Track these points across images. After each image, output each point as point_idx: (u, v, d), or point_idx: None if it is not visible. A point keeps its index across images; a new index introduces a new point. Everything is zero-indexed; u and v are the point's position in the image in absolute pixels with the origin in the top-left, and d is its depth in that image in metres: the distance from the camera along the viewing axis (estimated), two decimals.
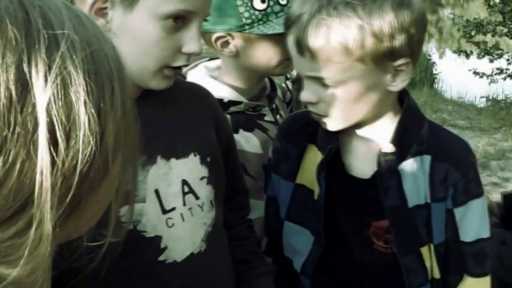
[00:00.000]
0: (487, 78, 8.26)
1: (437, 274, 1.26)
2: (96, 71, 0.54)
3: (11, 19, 0.50)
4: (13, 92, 0.48)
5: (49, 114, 0.50)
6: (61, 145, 0.51)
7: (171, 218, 1.09)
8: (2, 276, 0.55)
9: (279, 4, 1.42)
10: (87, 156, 0.53)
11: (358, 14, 1.07)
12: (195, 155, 1.13)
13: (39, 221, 0.53)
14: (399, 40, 1.09)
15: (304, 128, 1.30)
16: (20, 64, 0.49)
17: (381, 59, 1.11)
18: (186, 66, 1.10)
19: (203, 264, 1.13)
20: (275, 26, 1.39)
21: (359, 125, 1.24)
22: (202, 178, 1.14)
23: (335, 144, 1.25)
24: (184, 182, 1.11)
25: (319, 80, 1.15)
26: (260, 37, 1.42)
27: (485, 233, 1.27)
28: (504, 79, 8.31)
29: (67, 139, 0.52)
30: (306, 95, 1.19)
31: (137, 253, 1.05)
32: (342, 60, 1.10)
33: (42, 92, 0.49)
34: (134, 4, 0.98)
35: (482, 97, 8.07)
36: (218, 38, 1.44)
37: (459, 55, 8.68)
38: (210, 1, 1.07)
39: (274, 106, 1.59)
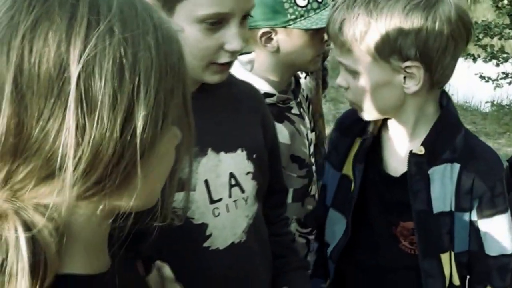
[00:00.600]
0: (493, 83, 8.26)
1: (456, 281, 1.30)
2: (133, 53, 0.61)
3: (61, 5, 0.60)
4: (52, 67, 0.58)
5: (79, 88, 0.58)
6: (87, 117, 0.59)
7: (217, 208, 1.15)
8: (34, 224, 0.62)
9: (317, 1, 1.55)
10: (112, 131, 0.60)
11: (370, 11, 1.18)
12: (242, 151, 1.20)
13: (67, 187, 0.61)
14: (406, 42, 1.17)
15: (356, 122, 1.38)
16: (60, 43, 0.59)
17: (387, 57, 1.19)
18: (232, 62, 1.16)
19: (242, 254, 1.20)
20: (316, 21, 1.52)
21: (394, 123, 1.31)
22: (247, 173, 1.20)
23: (369, 138, 1.33)
24: (232, 175, 1.17)
25: (344, 67, 1.26)
26: (300, 33, 1.54)
27: (509, 249, 1.30)
28: (510, 83, 8.30)
29: (92, 112, 0.59)
30: (338, 79, 1.32)
31: (184, 238, 1.12)
32: (354, 50, 1.22)
33: (75, 68, 0.58)
34: (172, 9, 1.03)
35: (487, 102, 8.09)
36: (263, 34, 1.54)
37: (465, 58, 8.68)
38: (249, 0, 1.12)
39: (298, 100, 1.69)
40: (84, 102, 0.59)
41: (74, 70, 0.58)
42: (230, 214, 1.17)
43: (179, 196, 1.03)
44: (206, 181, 1.14)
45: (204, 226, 1.14)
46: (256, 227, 1.23)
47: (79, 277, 0.69)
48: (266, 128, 1.29)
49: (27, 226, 0.63)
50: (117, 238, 0.77)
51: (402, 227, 1.33)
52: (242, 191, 1.19)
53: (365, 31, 1.19)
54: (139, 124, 0.61)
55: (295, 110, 1.65)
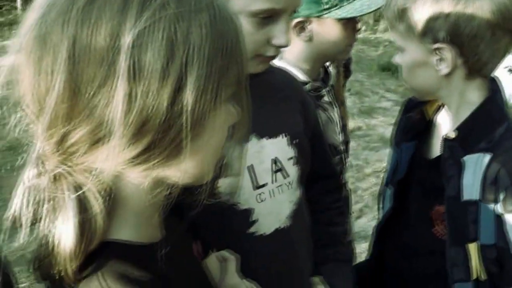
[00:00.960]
0: None
1: (482, 276, 1.27)
2: (186, 28, 0.63)
3: None
4: (106, 38, 0.62)
5: (130, 58, 0.61)
6: (137, 86, 0.62)
7: (262, 194, 1.16)
8: (83, 187, 0.65)
9: None
10: (161, 101, 0.62)
11: None
12: (283, 137, 1.20)
13: (115, 153, 0.64)
14: (436, 24, 1.22)
15: (421, 103, 1.43)
16: (114, 16, 0.62)
17: (422, 37, 1.25)
18: (277, 55, 1.16)
19: (286, 240, 1.20)
20: (350, 11, 1.53)
21: (441, 105, 1.37)
22: (290, 159, 1.21)
23: (413, 115, 1.41)
24: (274, 161, 1.18)
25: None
26: (334, 22, 1.56)
27: None
28: None
29: (142, 82, 0.62)
30: (395, 57, 1.38)
31: (230, 223, 1.12)
32: (397, 28, 1.29)
33: (128, 39, 0.61)
34: (228, 1, 1.04)
35: None
36: (297, 24, 1.55)
37: None
38: None
39: (328, 88, 1.71)
40: (134, 72, 0.62)
41: (127, 41, 0.61)
42: (274, 200, 1.17)
43: (225, 181, 1.05)
44: (251, 167, 1.14)
45: (249, 211, 1.15)
46: (299, 212, 1.23)
47: (126, 244, 0.71)
48: (306, 114, 1.30)
49: (77, 189, 0.66)
50: (163, 209, 0.78)
51: (437, 211, 1.34)
52: (286, 176, 1.20)
53: (402, 10, 1.26)
54: (189, 97, 0.63)
55: (326, 98, 1.68)
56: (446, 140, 1.28)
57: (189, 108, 0.64)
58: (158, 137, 0.64)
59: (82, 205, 0.66)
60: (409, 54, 1.31)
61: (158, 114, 0.63)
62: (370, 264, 1.51)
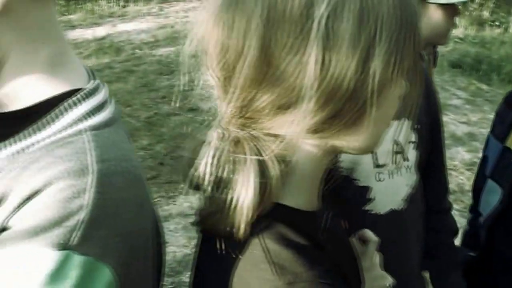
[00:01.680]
0: None
1: None
2: (376, 1, 0.65)
3: None
4: (301, 5, 0.63)
5: (325, 26, 0.63)
6: (329, 54, 0.63)
7: (381, 173, 1.19)
8: (264, 151, 0.68)
9: None
10: (350, 69, 0.64)
11: None
12: (405, 120, 1.22)
13: (301, 119, 0.66)
14: None
15: None
16: None
17: None
18: None
19: (400, 222, 1.23)
20: None
21: None
22: (410, 142, 1.23)
23: None
24: (396, 143, 1.20)
25: None
26: (436, 7, 1.58)
27: None
28: None
29: (334, 50, 0.63)
30: None
31: (348, 198, 1.16)
32: None
33: (323, 8, 0.63)
34: None
35: None
36: None
37: None
38: None
39: None
40: (327, 39, 0.63)
41: (322, 10, 0.63)
42: (392, 181, 1.20)
43: (348, 156, 1.08)
44: None
45: (367, 189, 1.18)
46: (414, 196, 1.26)
47: (293, 209, 0.73)
48: (429, 100, 1.31)
49: (257, 153, 0.68)
50: (328, 179, 0.81)
51: None
52: (405, 159, 1.22)
53: None
54: (375, 65, 0.65)
55: None
56: None
57: (376, 78, 0.65)
58: (343, 106, 0.66)
59: (262, 169, 0.68)
60: None
61: (346, 82, 0.64)
62: (479, 256, 1.52)
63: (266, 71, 0.65)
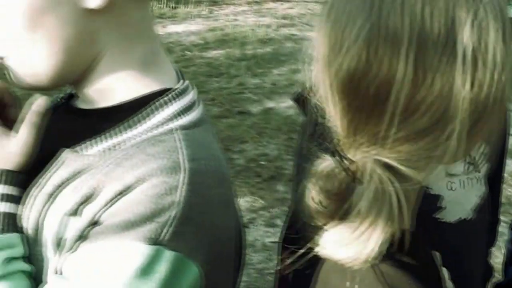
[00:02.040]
0: None
1: None
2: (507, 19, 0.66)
3: None
4: (443, 28, 0.63)
5: (467, 42, 0.63)
6: (475, 70, 0.64)
7: (453, 183, 1.19)
8: (410, 178, 0.67)
9: None
10: (494, 82, 0.65)
11: None
12: None
13: (450, 133, 0.67)
14: None
15: None
16: (447, 7, 0.64)
17: None
18: None
19: (469, 232, 1.23)
20: None
21: None
22: (482, 154, 1.23)
23: None
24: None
25: None
26: None
27: None
28: None
29: (479, 64, 0.64)
30: None
31: (419, 205, 1.15)
32: None
33: (465, 29, 0.63)
34: None
35: None
36: None
37: None
38: None
39: None
40: (474, 56, 0.64)
41: (466, 24, 0.63)
42: (464, 191, 1.21)
43: None
44: None
45: (439, 197, 1.18)
46: (483, 207, 1.25)
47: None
48: None
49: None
50: None
51: None
52: (477, 170, 1.21)
53: None
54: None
55: None
56: None
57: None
58: (484, 125, 0.70)
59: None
60: None
61: (491, 101, 0.66)
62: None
63: (417, 93, 0.66)
